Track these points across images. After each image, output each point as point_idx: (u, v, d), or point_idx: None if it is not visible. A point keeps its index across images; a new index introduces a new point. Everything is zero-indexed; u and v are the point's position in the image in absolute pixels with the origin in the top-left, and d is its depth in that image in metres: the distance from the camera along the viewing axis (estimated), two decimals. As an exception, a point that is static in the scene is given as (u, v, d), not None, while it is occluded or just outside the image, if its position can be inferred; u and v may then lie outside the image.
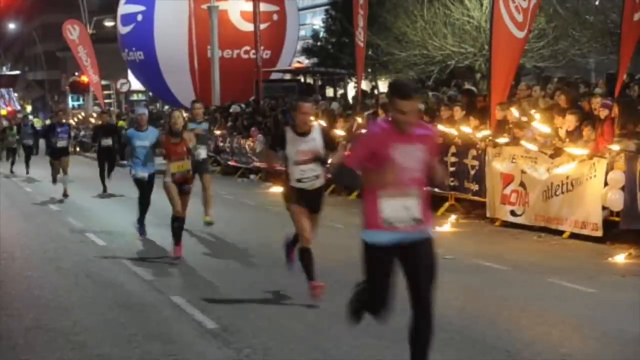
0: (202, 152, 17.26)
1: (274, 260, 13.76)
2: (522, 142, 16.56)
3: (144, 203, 16.52)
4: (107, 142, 24.63)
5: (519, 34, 17.89)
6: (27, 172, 31.55)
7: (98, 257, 14.42)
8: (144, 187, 16.49)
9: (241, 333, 9.29)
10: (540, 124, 16.34)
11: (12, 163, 34.48)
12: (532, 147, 16.30)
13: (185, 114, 16.78)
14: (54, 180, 24.57)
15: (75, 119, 63.59)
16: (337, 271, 12.76)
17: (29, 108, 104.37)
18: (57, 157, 24.30)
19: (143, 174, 16.40)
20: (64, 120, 27.25)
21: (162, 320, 9.99)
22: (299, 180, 10.75)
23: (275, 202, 22.24)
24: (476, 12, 29.52)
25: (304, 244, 10.71)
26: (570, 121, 15.94)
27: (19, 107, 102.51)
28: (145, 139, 16.34)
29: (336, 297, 11.07)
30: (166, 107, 55.52)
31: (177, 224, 14.14)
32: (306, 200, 10.77)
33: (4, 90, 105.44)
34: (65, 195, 23.51)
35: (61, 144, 24.35)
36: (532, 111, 17.33)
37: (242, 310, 10.40)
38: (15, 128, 37.50)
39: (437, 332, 9.21)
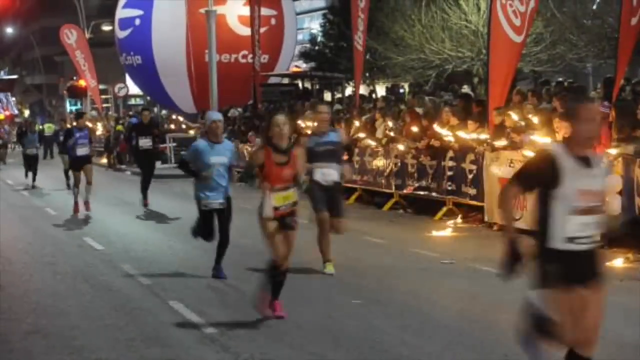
0: (334, 174, 13.15)
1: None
2: (523, 152, 16.55)
3: (223, 242, 12.85)
4: (147, 142, 22.92)
5: (516, 38, 17.90)
6: (33, 183, 29.42)
7: (96, 262, 14.43)
8: (222, 219, 12.84)
9: (239, 338, 9.29)
10: (538, 136, 16.31)
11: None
12: (531, 153, 16.28)
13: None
14: (69, 187, 23.73)
15: (74, 124, 63.55)
16: (336, 276, 12.78)
17: (26, 112, 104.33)
18: (78, 167, 21.25)
19: (220, 200, 12.74)
20: (85, 124, 23.82)
21: (160, 325, 9.99)
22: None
23: (273, 207, 22.25)
24: (473, 16, 29.54)
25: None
26: (564, 127, 15.93)
27: (16, 112, 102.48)
28: (222, 154, 12.67)
29: (333, 302, 11.10)
30: (163, 111, 55.58)
31: (277, 279, 10.19)
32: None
33: (1, 95, 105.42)
34: (87, 204, 20.97)
35: (81, 151, 21.21)
36: (529, 115, 17.32)
37: (240, 315, 10.40)
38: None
39: (435, 336, 9.25)
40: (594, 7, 28.23)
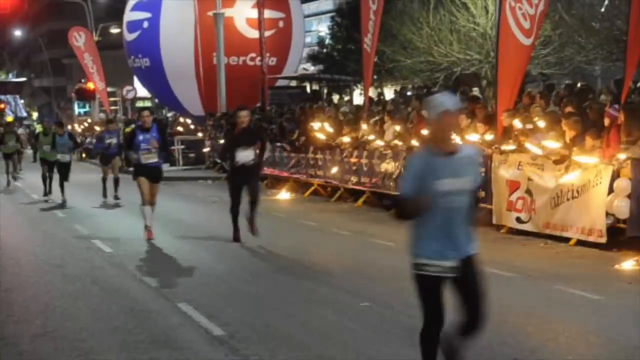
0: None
1: (280, 267, 13.80)
2: (527, 145, 16.53)
3: None
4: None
5: (525, 41, 17.88)
6: (63, 197, 24.41)
7: (104, 264, 14.44)
8: None
9: (248, 340, 9.29)
10: (548, 141, 16.29)
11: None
12: (538, 150, 16.27)
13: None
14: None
15: (82, 126, 63.81)
16: (344, 278, 12.78)
17: (35, 115, 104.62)
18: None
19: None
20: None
21: (168, 327, 10.00)
22: None
23: (280, 209, 22.30)
24: (482, 19, 29.53)
25: None
26: (572, 129, 15.95)
27: (25, 114, 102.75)
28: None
29: (341, 304, 11.10)
30: (171, 113, 55.65)
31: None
32: None
33: (10, 97, 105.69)
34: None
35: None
36: (535, 119, 17.31)
37: (249, 317, 10.41)
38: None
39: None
40: (603, 9, 28.17)
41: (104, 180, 25.15)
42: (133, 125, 24.68)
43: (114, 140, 25.68)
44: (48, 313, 10.86)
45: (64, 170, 24.92)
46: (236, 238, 16.28)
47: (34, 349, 9.21)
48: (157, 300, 11.56)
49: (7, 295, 11.98)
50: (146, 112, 17.40)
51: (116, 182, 24.75)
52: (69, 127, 61.71)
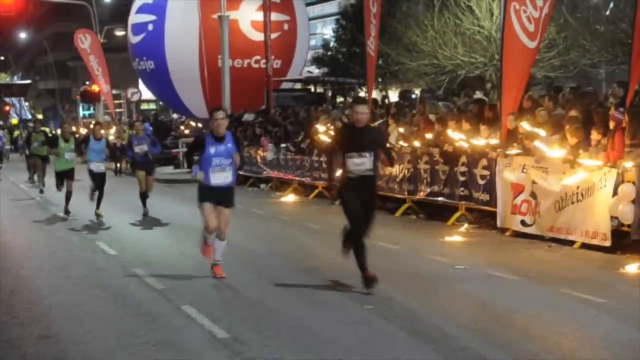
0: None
1: (284, 270, 13.79)
2: (536, 143, 16.47)
3: None
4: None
5: (530, 44, 17.87)
6: (97, 212, 21.10)
7: (109, 267, 14.45)
8: None
9: (252, 343, 9.28)
10: (551, 143, 16.26)
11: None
12: (544, 147, 16.20)
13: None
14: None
15: (87, 129, 63.84)
16: (348, 281, 12.76)
17: (39, 117, 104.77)
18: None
19: None
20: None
21: (172, 330, 9.99)
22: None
23: (284, 212, 22.29)
24: (486, 22, 29.53)
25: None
26: (574, 137, 15.94)
27: (29, 116, 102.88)
28: None
29: (345, 307, 11.09)
30: (175, 116, 55.70)
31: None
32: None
33: (15, 100, 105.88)
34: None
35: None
36: (536, 129, 17.26)
37: (253, 319, 10.40)
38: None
39: (447, 342, 9.23)
40: (607, 12, 28.17)
41: (142, 193, 21.67)
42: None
43: (144, 147, 21.74)
44: (52, 316, 10.87)
45: (100, 183, 21.02)
46: (369, 278, 12.02)
47: (37, 351, 9.21)
48: (161, 303, 11.56)
49: (11, 298, 11.99)
50: (220, 114, 13.20)
51: (145, 196, 21.66)
52: (73, 128, 61.82)
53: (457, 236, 17.13)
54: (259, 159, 30.07)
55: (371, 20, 24.82)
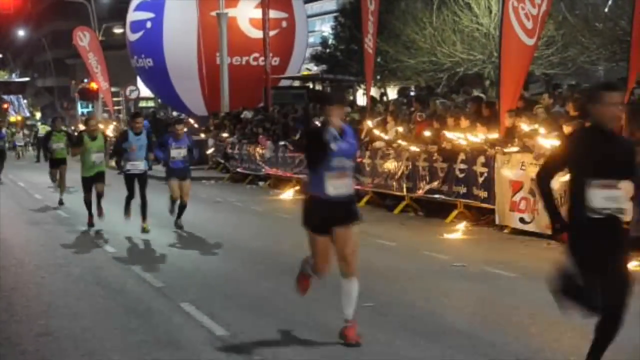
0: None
1: (283, 267, 13.78)
2: (538, 140, 16.45)
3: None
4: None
5: (528, 41, 17.89)
6: (145, 226, 17.98)
7: (108, 264, 14.45)
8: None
9: (251, 340, 9.28)
10: (549, 139, 16.26)
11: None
12: (546, 141, 16.18)
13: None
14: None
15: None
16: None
17: (38, 115, 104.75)
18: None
19: None
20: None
21: (171, 327, 9.99)
22: None
23: (283, 209, 22.29)
24: (485, 19, 29.55)
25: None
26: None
27: (28, 114, 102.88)
28: None
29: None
30: (175, 113, 55.73)
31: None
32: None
33: (13, 97, 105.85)
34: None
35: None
36: (536, 126, 17.27)
37: (252, 317, 10.41)
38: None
39: (447, 338, 9.23)
40: (606, 9, 28.19)
41: (173, 203, 18.48)
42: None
43: (183, 152, 18.19)
44: (51, 313, 10.86)
45: (142, 183, 18.10)
46: None
47: (36, 348, 9.20)
48: (160, 300, 11.56)
49: (10, 295, 11.99)
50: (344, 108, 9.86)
51: (182, 207, 18.40)
52: (72, 127, 61.71)
53: (455, 233, 17.14)
54: (257, 156, 30.08)
55: (369, 18, 24.84)
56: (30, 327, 10.09)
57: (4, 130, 39.37)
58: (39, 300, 11.63)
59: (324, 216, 9.08)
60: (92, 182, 18.84)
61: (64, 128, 26.88)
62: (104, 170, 19.20)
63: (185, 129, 19.40)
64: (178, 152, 18.11)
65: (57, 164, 25.11)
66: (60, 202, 23.74)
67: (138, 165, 18.06)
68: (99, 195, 18.98)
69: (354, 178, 9.50)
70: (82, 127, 33.01)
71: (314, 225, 9.19)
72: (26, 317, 10.65)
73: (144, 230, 17.65)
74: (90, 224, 18.85)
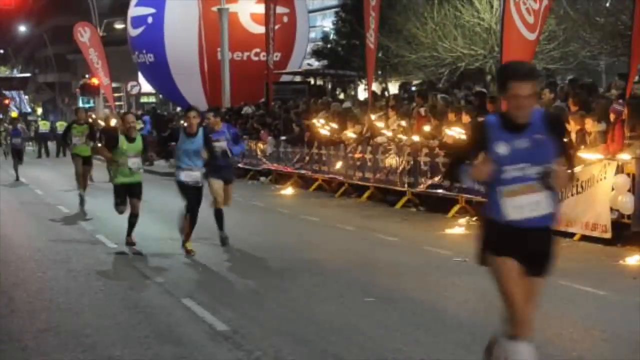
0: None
1: (284, 263, 13.80)
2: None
3: None
4: None
5: (530, 35, 17.84)
6: (188, 246, 14.78)
7: (109, 260, 14.45)
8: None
9: (252, 335, 9.29)
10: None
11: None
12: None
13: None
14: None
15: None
16: (349, 274, 12.79)
17: (39, 110, 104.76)
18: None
19: None
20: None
21: (172, 323, 10.00)
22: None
23: (284, 205, 22.30)
24: (486, 14, 29.52)
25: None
26: (578, 124, 15.93)
27: (29, 110, 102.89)
28: None
29: (345, 299, 11.10)
30: (177, 109, 55.70)
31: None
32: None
33: (14, 93, 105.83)
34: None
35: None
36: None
37: (253, 312, 10.41)
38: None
39: (448, 333, 9.23)
40: (607, 4, 28.14)
41: (217, 210, 15.72)
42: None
43: (223, 145, 15.57)
44: (52, 308, 10.87)
45: (195, 201, 14.67)
46: None
47: (38, 344, 9.21)
48: (161, 296, 11.56)
49: (11, 291, 11.99)
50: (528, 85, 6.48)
51: (220, 214, 15.69)
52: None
53: (457, 228, 17.13)
54: (258, 152, 30.08)
55: (370, 13, 24.82)
56: (31, 323, 10.09)
57: (19, 126, 38.91)
58: (40, 296, 11.63)
59: (514, 249, 6.69)
60: (128, 191, 15.51)
61: (89, 120, 23.40)
62: (141, 181, 15.74)
63: (218, 121, 16.07)
64: (218, 146, 15.27)
65: (79, 162, 22.00)
66: (82, 202, 21.16)
67: (194, 175, 14.59)
68: (133, 215, 15.56)
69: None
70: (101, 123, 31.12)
71: (496, 248, 6.93)
72: (27, 312, 10.65)
73: (189, 252, 14.53)
74: (130, 242, 15.54)
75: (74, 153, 22.31)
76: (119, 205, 15.71)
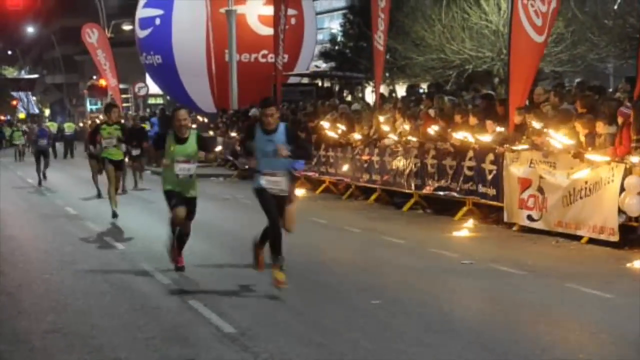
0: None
1: (291, 264, 13.77)
2: (549, 139, 16.37)
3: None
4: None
5: (538, 38, 17.83)
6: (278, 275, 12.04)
7: (116, 261, 14.45)
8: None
9: (259, 337, 9.28)
10: (561, 136, 16.20)
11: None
12: (557, 143, 16.11)
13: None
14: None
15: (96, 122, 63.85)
16: (356, 276, 12.78)
17: (47, 112, 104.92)
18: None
19: None
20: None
21: (179, 324, 10.00)
22: None
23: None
24: (494, 16, 29.49)
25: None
26: (586, 128, 15.89)
27: (37, 111, 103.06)
28: None
29: (352, 302, 11.09)
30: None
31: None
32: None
33: (22, 94, 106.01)
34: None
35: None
36: (542, 127, 17.20)
37: (260, 314, 10.41)
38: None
39: (455, 337, 9.22)
40: (616, 7, 28.12)
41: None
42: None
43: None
44: (59, 310, 10.87)
45: (275, 213, 12.54)
46: None
47: (44, 345, 9.22)
48: (168, 298, 11.56)
49: (18, 292, 12.01)
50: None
51: (278, 238, 12.43)
52: (80, 124, 61.55)
53: (464, 231, 17.11)
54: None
55: (379, 15, 24.81)
56: (38, 324, 10.10)
57: (44, 126, 37.19)
58: (46, 297, 11.65)
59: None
60: (180, 198, 12.87)
61: (121, 123, 21.02)
62: (197, 196, 13.23)
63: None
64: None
65: (107, 166, 19.71)
66: (114, 215, 19.28)
67: (278, 181, 12.10)
68: (183, 234, 13.23)
69: None
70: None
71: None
72: (34, 314, 10.67)
73: (280, 283, 11.55)
74: (179, 265, 13.19)
75: (104, 156, 19.86)
76: (176, 207, 12.80)
